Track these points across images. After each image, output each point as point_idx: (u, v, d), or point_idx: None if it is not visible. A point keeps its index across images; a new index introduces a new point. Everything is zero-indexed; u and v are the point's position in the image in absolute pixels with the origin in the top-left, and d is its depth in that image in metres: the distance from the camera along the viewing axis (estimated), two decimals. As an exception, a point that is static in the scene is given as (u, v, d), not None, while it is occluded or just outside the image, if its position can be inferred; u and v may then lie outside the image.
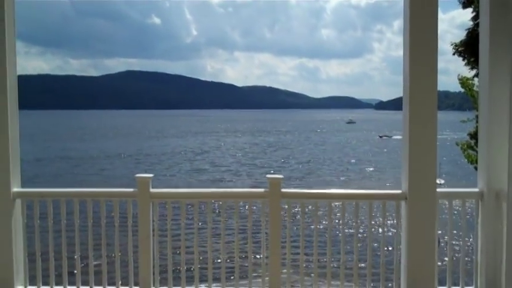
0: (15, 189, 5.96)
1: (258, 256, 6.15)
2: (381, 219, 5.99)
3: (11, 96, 5.87)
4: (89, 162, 64.56)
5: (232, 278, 6.14)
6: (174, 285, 6.06)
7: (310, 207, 6.32)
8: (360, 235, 6.04)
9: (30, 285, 6.12)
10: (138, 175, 6.01)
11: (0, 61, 5.77)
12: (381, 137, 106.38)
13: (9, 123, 5.85)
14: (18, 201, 6.02)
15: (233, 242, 6.14)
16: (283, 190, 5.94)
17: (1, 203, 5.87)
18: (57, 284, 6.12)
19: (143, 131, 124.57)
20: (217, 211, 6.34)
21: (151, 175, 6.05)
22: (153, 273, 5.99)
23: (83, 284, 6.09)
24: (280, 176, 6.03)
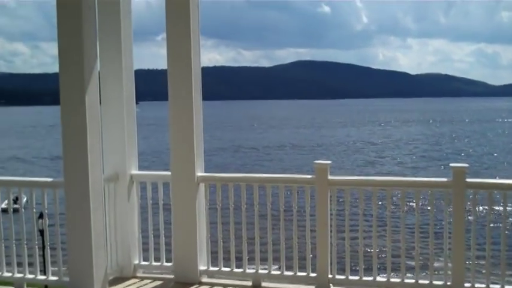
0: (199, 173, 6.25)
1: (440, 247, 5.88)
2: None
3: (196, 87, 6.16)
4: (261, 152, 66.38)
5: (411, 269, 5.93)
6: (352, 275, 5.98)
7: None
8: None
9: (212, 266, 6.39)
10: (316, 161, 6.00)
11: (186, 55, 6.07)
12: None
13: (194, 112, 6.13)
14: (202, 185, 6.30)
15: (413, 229, 5.89)
16: (468, 180, 5.59)
17: (187, 186, 6.20)
18: (237, 267, 6.33)
19: (314, 121, 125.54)
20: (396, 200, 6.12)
21: (329, 162, 6.01)
22: (331, 261, 5.96)
23: (261, 263, 6.23)
24: (465, 165, 5.67)
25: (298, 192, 6.08)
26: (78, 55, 5.54)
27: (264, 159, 59.56)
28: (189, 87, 6.10)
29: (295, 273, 6.13)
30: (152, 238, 6.56)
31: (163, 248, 6.54)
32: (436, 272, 5.90)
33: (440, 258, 5.91)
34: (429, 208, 5.83)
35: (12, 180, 6.84)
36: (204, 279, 6.35)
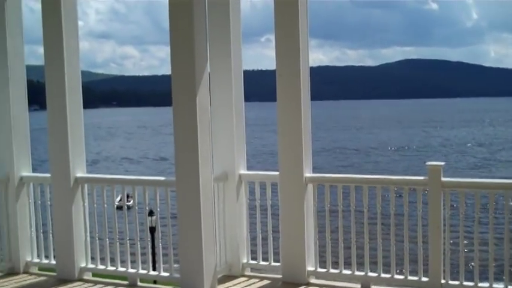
0: (307, 174, 6.21)
1: None
2: None
3: (304, 87, 6.13)
4: (366, 153, 65.35)
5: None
6: (466, 280, 5.73)
7: None
8: None
9: (320, 267, 6.33)
10: (429, 163, 5.80)
11: (295, 55, 6.08)
12: None
13: (302, 113, 6.11)
14: (310, 186, 6.26)
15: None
16: None
17: (295, 187, 6.19)
18: (345, 268, 6.25)
19: (422, 121, 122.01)
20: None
21: (442, 163, 5.80)
22: (443, 265, 5.74)
23: (371, 270, 6.11)
24: None
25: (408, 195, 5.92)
26: (190, 57, 5.67)
27: (368, 161, 58.55)
28: (297, 88, 6.09)
29: (406, 277, 5.96)
30: (260, 237, 6.61)
31: (271, 247, 6.58)
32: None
33: None
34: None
35: (126, 178, 7.13)
36: (312, 280, 6.32)
